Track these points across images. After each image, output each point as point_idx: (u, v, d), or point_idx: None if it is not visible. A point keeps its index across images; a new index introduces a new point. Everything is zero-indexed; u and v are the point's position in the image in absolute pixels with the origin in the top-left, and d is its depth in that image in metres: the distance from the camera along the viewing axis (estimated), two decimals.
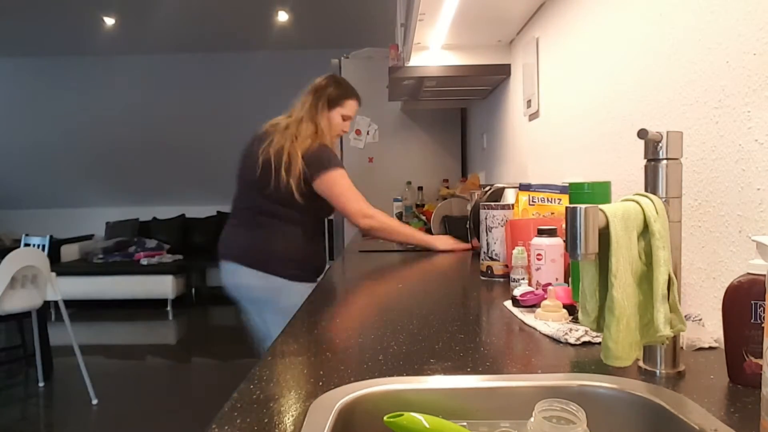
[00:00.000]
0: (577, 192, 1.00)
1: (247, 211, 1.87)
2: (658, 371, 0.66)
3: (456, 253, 1.88)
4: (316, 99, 1.89)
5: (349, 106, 1.95)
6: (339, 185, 1.79)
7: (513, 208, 1.36)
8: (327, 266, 2.00)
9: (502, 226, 1.36)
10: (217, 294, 5.96)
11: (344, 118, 1.95)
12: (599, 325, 0.64)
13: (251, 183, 1.84)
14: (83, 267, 5.42)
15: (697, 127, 0.85)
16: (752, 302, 0.59)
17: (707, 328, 0.82)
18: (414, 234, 1.96)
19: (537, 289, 1.05)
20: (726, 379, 0.64)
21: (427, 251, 1.96)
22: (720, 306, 0.63)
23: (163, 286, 5.26)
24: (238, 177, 1.92)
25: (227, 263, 1.86)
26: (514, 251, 1.17)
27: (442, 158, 3.40)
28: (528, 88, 1.86)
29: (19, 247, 3.20)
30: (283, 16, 4.96)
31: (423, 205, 3.15)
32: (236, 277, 1.83)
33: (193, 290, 5.84)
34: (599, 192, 0.98)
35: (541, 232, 1.08)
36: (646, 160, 0.67)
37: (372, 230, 1.85)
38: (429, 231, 2.74)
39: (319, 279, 1.89)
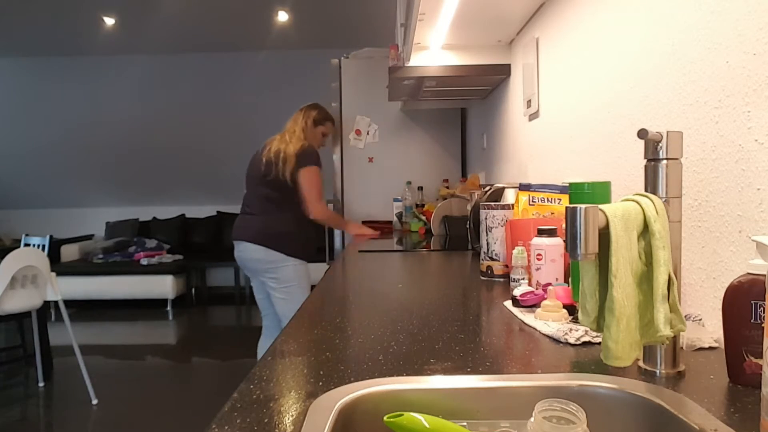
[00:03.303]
0: (577, 192, 1.00)
1: (255, 200, 2.45)
2: (658, 371, 0.66)
3: (368, 237, 2.60)
4: (305, 118, 2.51)
5: (328, 126, 2.62)
6: (310, 180, 2.39)
7: (513, 208, 1.36)
8: (315, 247, 2.60)
9: (502, 226, 1.36)
10: (217, 294, 5.97)
11: (323, 135, 2.61)
12: (599, 325, 0.64)
13: (257, 178, 2.43)
14: (83, 267, 5.42)
15: (697, 127, 0.85)
16: (752, 302, 0.59)
17: (707, 328, 0.82)
18: (341, 222, 2.73)
19: (537, 289, 1.05)
20: (726, 379, 0.64)
21: (427, 251, 1.99)
22: (720, 306, 0.63)
23: (163, 286, 5.26)
24: (247, 178, 2.52)
25: (239, 242, 2.43)
26: (514, 251, 1.17)
27: (442, 158, 3.40)
28: (528, 88, 1.86)
29: (19, 247, 3.20)
30: (283, 16, 4.96)
31: (423, 205, 3.15)
32: (246, 252, 2.41)
33: (193, 290, 5.84)
34: (599, 192, 0.98)
35: (541, 232, 1.08)
36: (646, 160, 0.67)
37: (318, 221, 2.50)
38: (429, 231, 2.75)
39: (308, 258, 2.49)
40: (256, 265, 2.41)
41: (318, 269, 3.92)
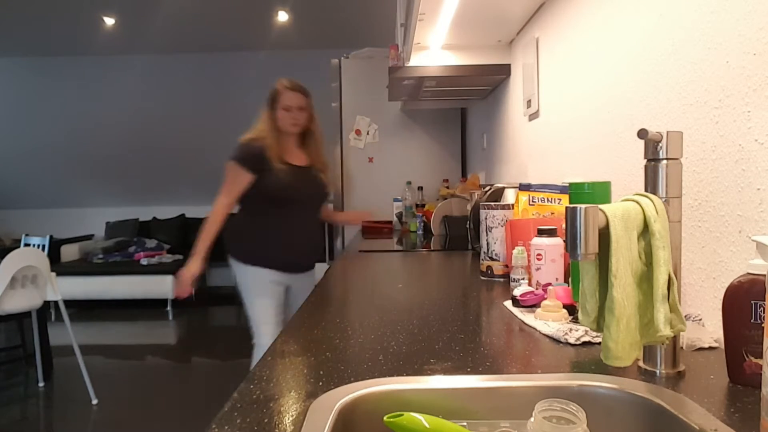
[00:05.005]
0: (577, 192, 1.00)
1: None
2: (658, 371, 0.66)
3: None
4: (264, 106, 2.10)
5: (285, 98, 2.05)
6: (227, 174, 2.05)
7: (513, 208, 1.36)
8: (293, 258, 2.17)
9: (502, 226, 1.36)
10: (217, 294, 5.97)
11: (287, 109, 2.05)
12: (599, 325, 0.64)
13: None
14: (83, 267, 5.41)
15: (697, 127, 0.85)
16: (752, 302, 0.59)
17: (707, 328, 0.82)
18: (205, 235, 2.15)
19: (537, 289, 1.05)
20: (726, 379, 0.64)
21: (427, 251, 1.99)
22: (720, 306, 0.63)
23: (163, 286, 5.26)
24: None
25: None
26: (514, 251, 1.17)
27: (442, 158, 3.40)
28: (528, 88, 1.86)
29: (19, 247, 3.20)
30: (283, 16, 4.96)
31: (423, 205, 3.15)
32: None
33: (193, 290, 5.83)
34: (599, 192, 0.98)
35: (541, 232, 1.08)
36: (646, 160, 0.67)
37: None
38: (429, 231, 2.75)
39: (279, 268, 2.09)
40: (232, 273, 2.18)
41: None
